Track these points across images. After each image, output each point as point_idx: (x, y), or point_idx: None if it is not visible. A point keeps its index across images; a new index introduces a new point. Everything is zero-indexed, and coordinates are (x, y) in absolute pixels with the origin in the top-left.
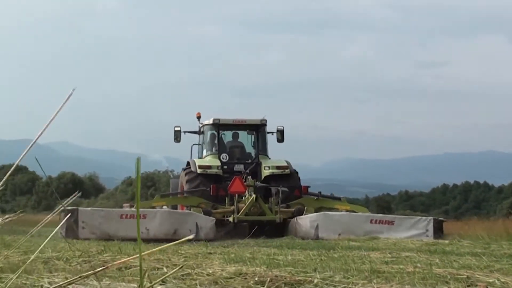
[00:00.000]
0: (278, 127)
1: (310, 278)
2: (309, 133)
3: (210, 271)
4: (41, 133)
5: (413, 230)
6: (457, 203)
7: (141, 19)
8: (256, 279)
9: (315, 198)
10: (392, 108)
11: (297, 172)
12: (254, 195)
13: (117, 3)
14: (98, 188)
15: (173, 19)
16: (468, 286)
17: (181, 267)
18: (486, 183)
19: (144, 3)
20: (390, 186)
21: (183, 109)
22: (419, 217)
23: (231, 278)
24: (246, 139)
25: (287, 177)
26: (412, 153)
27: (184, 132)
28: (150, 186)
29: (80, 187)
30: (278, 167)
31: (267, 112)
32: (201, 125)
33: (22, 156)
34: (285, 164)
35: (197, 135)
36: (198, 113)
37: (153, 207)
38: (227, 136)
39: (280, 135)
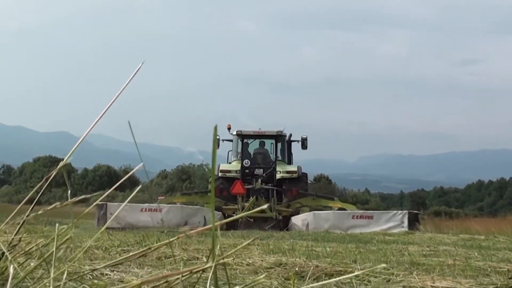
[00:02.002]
0: (302, 136)
1: (350, 269)
2: (345, 129)
3: (250, 261)
4: (94, 125)
5: (390, 222)
6: (492, 200)
7: (178, 16)
8: (297, 269)
9: (313, 198)
10: (428, 104)
11: (306, 176)
12: (254, 196)
13: (158, 2)
14: (133, 181)
15: (208, 16)
16: (510, 278)
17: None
18: None
19: (180, 1)
20: (425, 182)
21: (220, 104)
22: (395, 211)
23: (271, 268)
24: (270, 147)
25: (296, 180)
26: (448, 149)
27: (223, 140)
28: (185, 179)
29: (115, 180)
30: (288, 172)
31: (304, 108)
32: (232, 135)
33: (69, 153)
34: (295, 169)
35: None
36: (229, 125)
37: (174, 203)
38: (256, 143)
39: (304, 144)
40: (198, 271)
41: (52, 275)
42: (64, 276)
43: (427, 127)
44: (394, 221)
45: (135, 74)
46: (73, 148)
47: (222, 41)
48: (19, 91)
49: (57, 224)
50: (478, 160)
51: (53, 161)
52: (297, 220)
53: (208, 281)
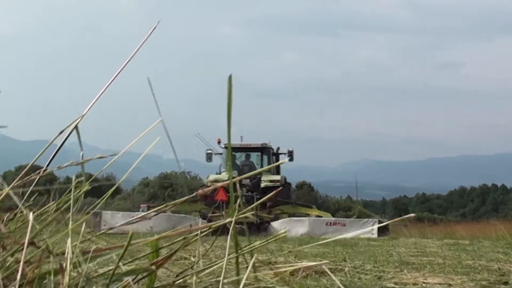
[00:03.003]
0: (289, 149)
1: (340, 267)
2: (326, 134)
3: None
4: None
5: (361, 229)
6: (475, 206)
7: (154, 21)
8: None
9: (292, 205)
10: (408, 109)
11: (290, 185)
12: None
13: (135, 4)
14: (115, 189)
15: (188, 22)
16: (502, 275)
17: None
18: (504, 186)
19: (161, 4)
20: (407, 188)
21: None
22: (366, 219)
23: (259, 266)
24: (255, 159)
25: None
26: (429, 155)
27: (214, 153)
28: (167, 186)
29: (97, 188)
30: (271, 181)
31: (285, 114)
32: (222, 148)
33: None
34: (278, 178)
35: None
36: (218, 139)
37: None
38: (242, 156)
39: (290, 156)
40: (217, 226)
41: (70, 227)
42: (82, 228)
43: (407, 132)
44: (365, 228)
45: (150, 33)
46: (51, 156)
47: (202, 47)
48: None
49: (73, 176)
50: (459, 165)
51: (35, 169)
52: (276, 225)
53: (228, 238)
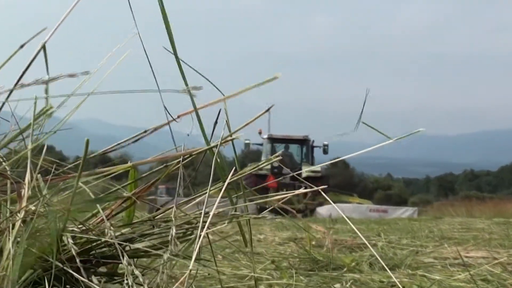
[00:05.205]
0: (324, 143)
1: (373, 242)
2: (365, 107)
3: (261, 237)
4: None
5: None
6: None
7: None
8: (314, 243)
9: (334, 194)
10: (457, 77)
11: (328, 175)
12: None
13: None
14: (128, 170)
15: None
16: None
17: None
18: None
19: None
20: (455, 165)
21: (225, 83)
22: (407, 207)
23: (285, 243)
24: (295, 150)
25: (319, 179)
26: (479, 128)
27: (253, 144)
28: (187, 165)
29: (117, 176)
30: (312, 171)
31: (316, 83)
32: (263, 139)
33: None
34: (318, 169)
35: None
36: (260, 130)
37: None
38: (281, 147)
39: (324, 149)
40: (198, 152)
41: (29, 147)
42: (43, 153)
43: (455, 104)
44: (405, 216)
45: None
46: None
47: (226, 19)
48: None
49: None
50: None
51: (52, 156)
52: (322, 210)
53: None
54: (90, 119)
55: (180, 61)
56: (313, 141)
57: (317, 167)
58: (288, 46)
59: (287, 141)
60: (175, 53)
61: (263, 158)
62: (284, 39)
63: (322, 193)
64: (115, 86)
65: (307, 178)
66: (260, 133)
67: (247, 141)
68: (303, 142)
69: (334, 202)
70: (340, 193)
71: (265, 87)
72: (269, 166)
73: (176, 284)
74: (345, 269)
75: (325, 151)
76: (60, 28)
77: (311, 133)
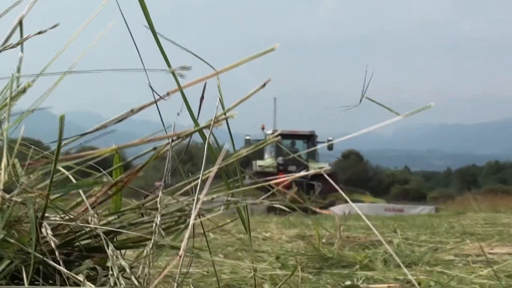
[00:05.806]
0: (328, 139)
1: (389, 238)
2: (378, 96)
3: (267, 235)
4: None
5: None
6: None
7: None
8: (324, 240)
9: (346, 191)
10: (479, 63)
11: (336, 172)
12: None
13: None
14: (125, 164)
15: None
16: None
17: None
18: None
19: None
20: (478, 156)
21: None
22: (424, 205)
23: (292, 241)
24: (301, 146)
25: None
26: (504, 115)
27: (253, 140)
28: (186, 160)
29: (104, 164)
30: (320, 168)
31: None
32: (265, 135)
33: None
34: (326, 166)
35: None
36: (262, 125)
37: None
38: (286, 143)
39: (329, 146)
40: (189, 134)
41: (6, 128)
42: (21, 131)
43: (478, 90)
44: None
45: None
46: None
47: (233, 5)
48: None
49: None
50: None
51: (31, 143)
52: (336, 210)
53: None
54: (80, 112)
55: (175, 43)
56: (317, 137)
57: (323, 164)
58: (295, 32)
59: (294, 136)
60: (152, 30)
61: (266, 155)
62: (291, 24)
63: (339, 189)
64: (106, 72)
65: (315, 176)
66: (263, 128)
67: (247, 137)
68: (309, 137)
69: (345, 202)
70: (352, 191)
71: (270, 77)
72: (273, 164)
73: (163, 273)
74: (357, 267)
75: (330, 147)
76: (39, 3)
77: (317, 123)
